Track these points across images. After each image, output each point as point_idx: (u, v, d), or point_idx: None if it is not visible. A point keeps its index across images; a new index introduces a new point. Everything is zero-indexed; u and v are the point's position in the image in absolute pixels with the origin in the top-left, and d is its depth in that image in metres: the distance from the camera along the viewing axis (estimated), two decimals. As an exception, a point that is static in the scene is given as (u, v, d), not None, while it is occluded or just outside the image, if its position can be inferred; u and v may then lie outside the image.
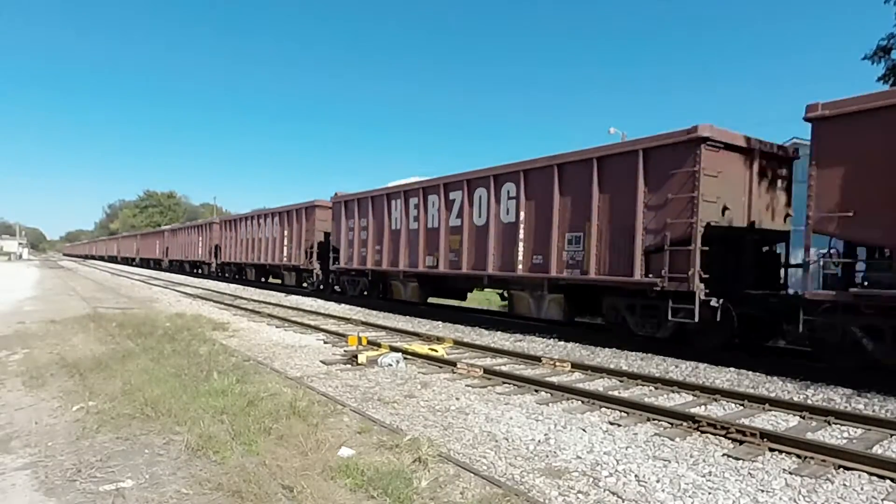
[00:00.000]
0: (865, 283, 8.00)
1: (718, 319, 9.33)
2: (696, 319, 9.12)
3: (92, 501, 3.79)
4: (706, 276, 9.19)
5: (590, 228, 10.97)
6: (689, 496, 4.19)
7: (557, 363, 9.01)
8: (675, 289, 9.44)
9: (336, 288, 21.06)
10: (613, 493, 4.21)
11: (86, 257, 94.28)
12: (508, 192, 12.96)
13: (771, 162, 10.50)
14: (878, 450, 5.33)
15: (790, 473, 4.67)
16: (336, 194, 20.37)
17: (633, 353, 10.26)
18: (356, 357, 8.92)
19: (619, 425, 5.94)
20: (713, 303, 9.24)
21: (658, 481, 4.45)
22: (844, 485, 4.47)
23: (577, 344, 11.23)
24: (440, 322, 14.74)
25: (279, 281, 26.02)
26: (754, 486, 4.40)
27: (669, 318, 9.53)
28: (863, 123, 7.62)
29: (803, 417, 6.32)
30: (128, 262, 62.24)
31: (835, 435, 5.86)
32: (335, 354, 9.79)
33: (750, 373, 8.66)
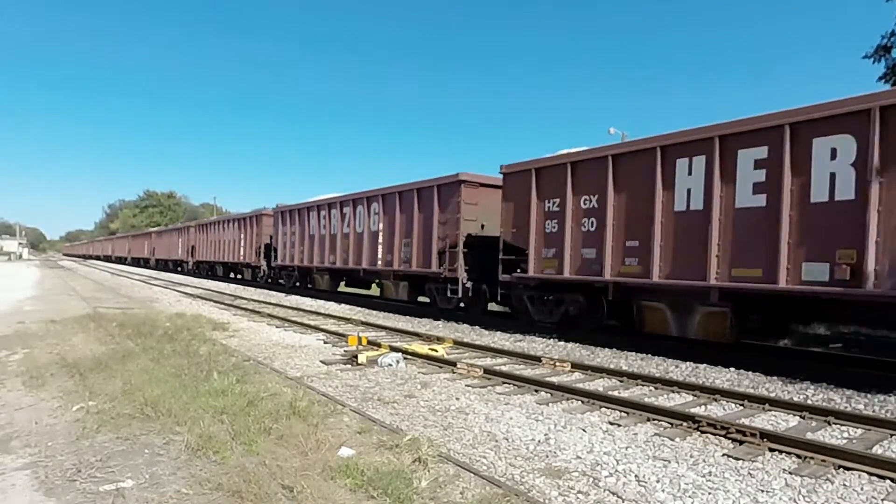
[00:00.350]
0: (519, 270, 12.83)
1: (471, 295, 14.73)
2: (460, 295, 14.65)
3: (92, 501, 3.79)
4: (466, 267, 14.63)
5: (412, 237, 16.39)
6: (689, 496, 4.19)
7: (557, 363, 9.01)
8: (451, 276, 14.75)
9: (280, 280, 26.08)
10: (613, 493, 4.21)
11: (85, 257, 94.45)
12: (374, 209, 18.17)
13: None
14: (878, 450, 5.33)
15: (790, 473, 4.67)
16: (277, 205, 25.49)
17: (633, 353, 10.27)
18: (356, 357, 8.92)
19: (619, 425, 5.94)
20: (469, 284, 14.58)
21: (658, 481, 4.45)
22: (844, 485, 4.47)
23: (577, 344, 11.24)
24: (440, 322, 14.75)
25: (240, 276, 31.18)
26: (754, 486, 4.40)
27: (449, 294, 15.03)
28: (516, 178, 12.94)
29: (803, 417, 6.32)
30: (121, 261, 64.29)
31: (835, 435, 5.86)
32: (335, 354, 9.79)
33: (750, 373, 8.67)
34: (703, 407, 6.83)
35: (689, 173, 9.47)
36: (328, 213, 21.09)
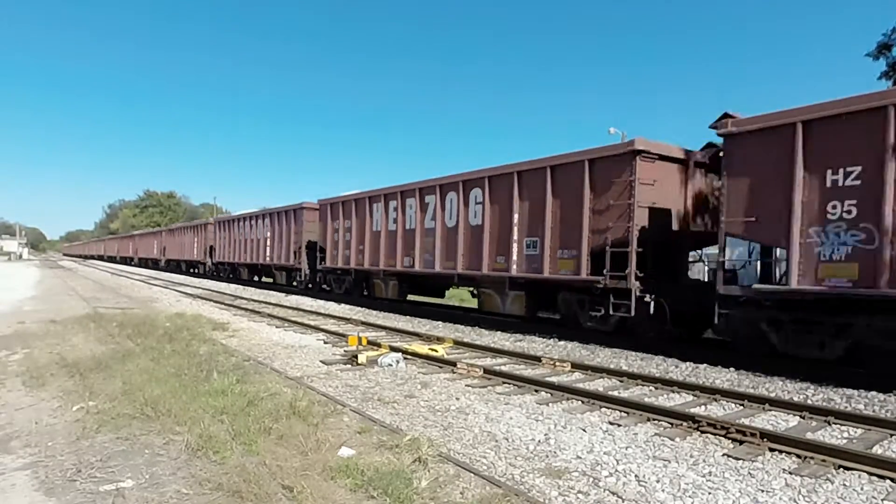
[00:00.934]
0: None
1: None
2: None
3: (92, 501, 3.79)
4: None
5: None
6: (689, 496, 4.19)
7: (557, 363, 9.01)
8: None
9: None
10: (613, 493, 4.21)
11: (85, 257, 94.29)
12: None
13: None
14: (878, 450, 5.33)
15: (790, 473, 4.67)
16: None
17: (633, 353, 10.27)
18: (356, 357, 8.92)
19: (619, 425, 5.94)
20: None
21: (658, 481, 4.45)
22: (844, 485, 4.47)
23: (578, 344, 11.24)
24: (440, 322, 14.75)
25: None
26: (754, 486, 4.40)
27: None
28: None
29: (803, 417, 6.32)
30: (126, 261, 62.33)
31: (835, 435, 5.86)
32: (335, 354, 9.79)
33: (750, 373, 8.67)
34: (703, 407, 6.83)
35: (376, 212, 17.23)
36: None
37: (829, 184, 8.08)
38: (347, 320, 14.60)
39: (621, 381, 8.11)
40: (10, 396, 6.41)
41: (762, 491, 4.32)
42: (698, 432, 5.67)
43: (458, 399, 6.92)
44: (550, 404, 6.81)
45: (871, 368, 7.98)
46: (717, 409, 6.75)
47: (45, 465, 4.38)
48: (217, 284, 29.47)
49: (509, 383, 7.74)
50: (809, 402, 7.06)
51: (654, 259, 10.74)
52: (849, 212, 7.87)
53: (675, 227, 11.04)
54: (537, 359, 9.40)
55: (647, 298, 10.27)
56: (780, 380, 8.21)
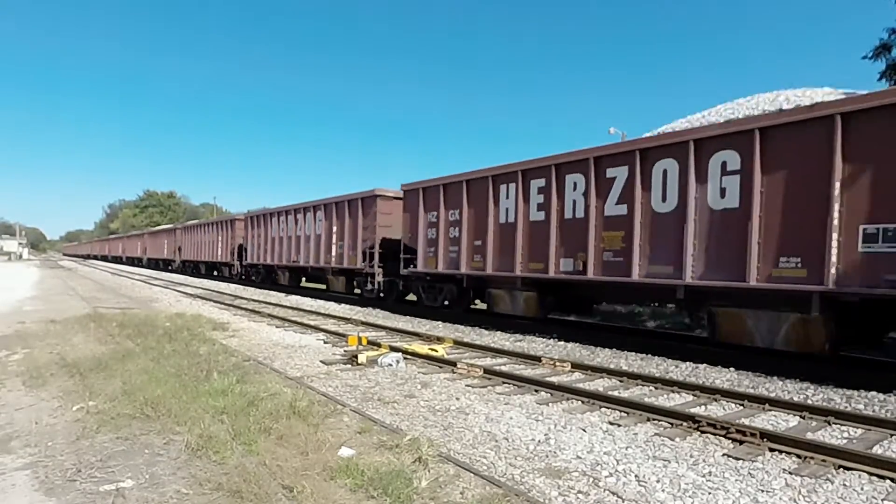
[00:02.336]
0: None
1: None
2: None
3: (92, 501, 3.79)
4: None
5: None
6: (689, 496, 4.19)
7: (557, 363, 9.01)
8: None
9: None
10: (613, 493, 4.21)
11: (86, 257, 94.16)
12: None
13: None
14: (878, 450, 5.33)
15: (790, 473, 4.67)
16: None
17: (633, 353, 10.28)
18: (356, 357, 8.92)
19: (619, 425, 5.95)
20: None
21: (658, 481, 4.45)
22: (844, 485, 4.47)
23: (577, 344, 11.25)
24: (440, 322, 14.75)
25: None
26: (754, 486, 4.40)
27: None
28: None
29: (803, 417, 6.32)
30: (118, 260, 61.18)
31: (835, 435, 5.86)
32: (335, 354, 9.79)
33: (750, 373, 8.67)
34: (703, 407, 6.83)
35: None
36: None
37: (424, 221, 15.96)
38: (347, 320, 14.60)
39: (621, 381, 8.11)
40: (10, 396, 6.41)
41: (762, 491, 4.32)
42: (698, 432, 5.67)
43: (458, 399, 6.92)
44: (550, 404, 6.81)
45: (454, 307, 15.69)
46: (717, 409, 6.75)
47: (45, 465, 4.38)
48: (217, 284, 29.43)
49: (509, 383, 7.74)
50: (809, 402, 7.06)
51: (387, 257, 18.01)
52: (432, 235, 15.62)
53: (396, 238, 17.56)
54: (537, 359, 9.40)
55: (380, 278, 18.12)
56: (780, 380, 8.21)
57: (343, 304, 19.32)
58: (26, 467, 4.34)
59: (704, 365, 9.19)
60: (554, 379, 7.99)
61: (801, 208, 8.02)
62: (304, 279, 25.51)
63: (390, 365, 8.68)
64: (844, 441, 5.64)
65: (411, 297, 18.12)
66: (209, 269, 36.85)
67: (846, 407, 6.86)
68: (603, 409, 6.55)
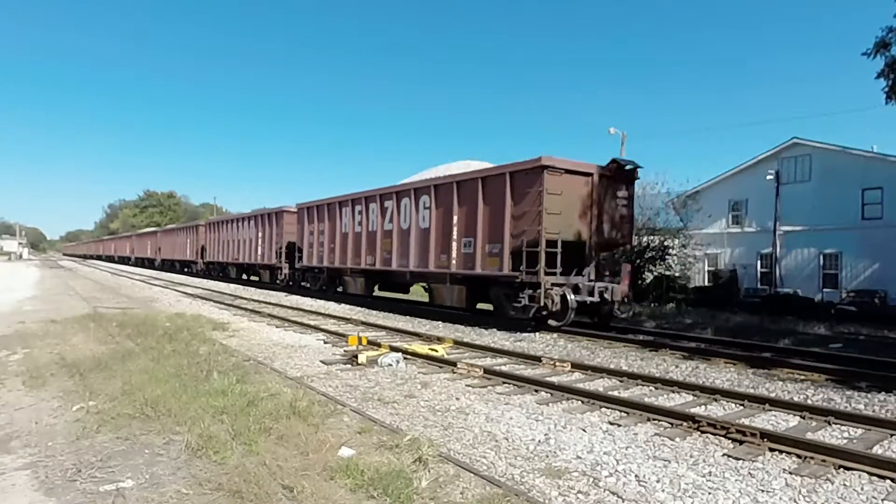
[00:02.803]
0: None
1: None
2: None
3: (92, 501, 3.79)
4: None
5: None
6: (689, 496, 4.19)
7: (557, 363, 9.01)
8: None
9: (302, 283, 24.74)
10: (613, 493, 4.21)
11: (85, 257, 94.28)
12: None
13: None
14: (878, 450, 5.33)
15: (790, 473, 4.67)
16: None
17: (633, 353, 10.28)
18: (356, 357, 8.91)
19: (619, 425, 5.94)
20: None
21: (658, 481, 4.45)
22: (844, 485, 4.47)
23: (577, 344, 11.25)
24: (440, 322, 14.75)
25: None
26: (754, 486, 4.40)
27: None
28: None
29: (803, 417, 6.32)
30: (124, 261, 62.41)
31: (835, 435, 5.86)
32: (335, 354, 9.79)
33: (750, 373, 8.67)
34: (703, 407, 6.83)
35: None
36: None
37: (307, 230, 23.15)
38: (347, 320, 14.60)
39: (621, 381, 8.11)
40: (10, 396, 6.42)
41: (762, 491, 4.32)
42: (698, 432, 5.67)
43: (458, 399, 6.92)
44: (550, 404, 6.81)
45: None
46: (717, 409, 6.75)
47: (45, 464, 4.38)
48: (217, 284, 29.50)
49: (509, 383, 7.74)
50: (809, 402, 7.06)
51: (291, 255, 24.15)
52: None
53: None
54: (537, 359, 9.40)
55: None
56: (780, 380, 8.22)
57: (343, 304, 19.31)
58: (26, 467, 4.34)
59: (704, 365, 9.19)
60: (554, 379, 7.99)
61: (447, 230, 14.97)
62: (244, 274, 31.40)
63: (390, 365, 8.68)
64: (844, 441, 5.64)
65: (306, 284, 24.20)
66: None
67: (846, 407, 6.86)
68: (603, 409, 6.55)
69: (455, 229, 14.59)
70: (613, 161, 13.60)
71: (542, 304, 12.09)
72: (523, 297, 12.46)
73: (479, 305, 14.99)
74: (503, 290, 13.51)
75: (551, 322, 12.73)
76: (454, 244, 14.59)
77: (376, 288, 19.68)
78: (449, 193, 14.84)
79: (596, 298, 12.63)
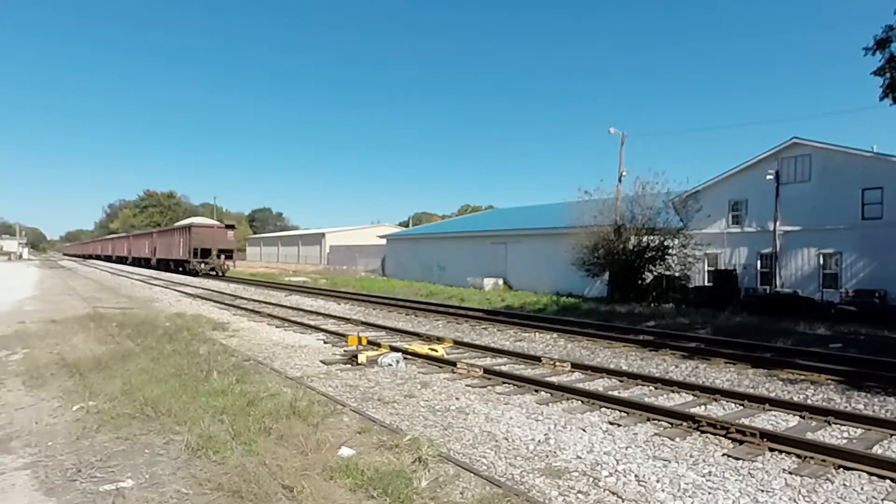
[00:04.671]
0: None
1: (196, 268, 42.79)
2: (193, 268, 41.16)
3: (92, 501, 3.79)
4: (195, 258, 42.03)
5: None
6: (689, 496, 4.19)
7: (557, 363, 9.01)
8: (191, 259, 42.21)
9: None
10: (613, 493, 4.21)
11: (85, 257, 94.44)
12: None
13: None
14: (878, 450, 5.33)
15: (790, 473, 4.67)
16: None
17: (633, 353, 10.28)
18: (356, 357, 8.92)
19: (619, 425, 5.94)
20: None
21: (658, 481, 4.45)
22: (844, 485, 4.47)
23: (577, 344, 11.25)
24: (440, 322, 14.75)
25: (181, 269, 42.24)
26: (754, 486, 4.40)
27: (189, 267, 40.42)
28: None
29: (803, 417, 6.32)
30: (122, 261, 63.44)
31: (835, 435, 5.86)
32: (335, 354, 9.79)
33: (750, 373, 8.67)
34: (703, 407, 6.83)
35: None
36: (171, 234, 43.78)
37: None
38: (347, 320, 14.60)
39: (621, 381, 8.11)
40: (11, 396, 6.41)
41: (762, 491, 4.32)
42: (698, 432, 5.67)
43: (458, 399, 6.92)
44: (550, 404, 6.81)
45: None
46: (717, 409, 6.75)
47: (45, 464, 4.38)
48: (217, 284, 29.55)
49: (509, 383, 7.74)
50: (809, 402, 7.06)
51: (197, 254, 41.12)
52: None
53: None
54: (537, 359, 9.40)
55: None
56: (779, 380, 8.22)
57: (343, 304, 19.30)
58: (26, 467, 4.34)
59: (704, 365, 9.20)
60: (554, 379, 7.99)
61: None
62: (179, 267, 43.49)
63: (390, 365, 8.68)
64: (844, 441, 5.64)
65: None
66: (142, 262, 53.38)
67: (846, 407, 6.87)
68: (603, 409, 6.55)
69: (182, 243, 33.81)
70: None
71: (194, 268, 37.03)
72: None
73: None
74: (187, 264, 38.37)
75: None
76: (180, 248, 31.81)
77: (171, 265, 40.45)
78: (179, 230, 31.93)
79: None
